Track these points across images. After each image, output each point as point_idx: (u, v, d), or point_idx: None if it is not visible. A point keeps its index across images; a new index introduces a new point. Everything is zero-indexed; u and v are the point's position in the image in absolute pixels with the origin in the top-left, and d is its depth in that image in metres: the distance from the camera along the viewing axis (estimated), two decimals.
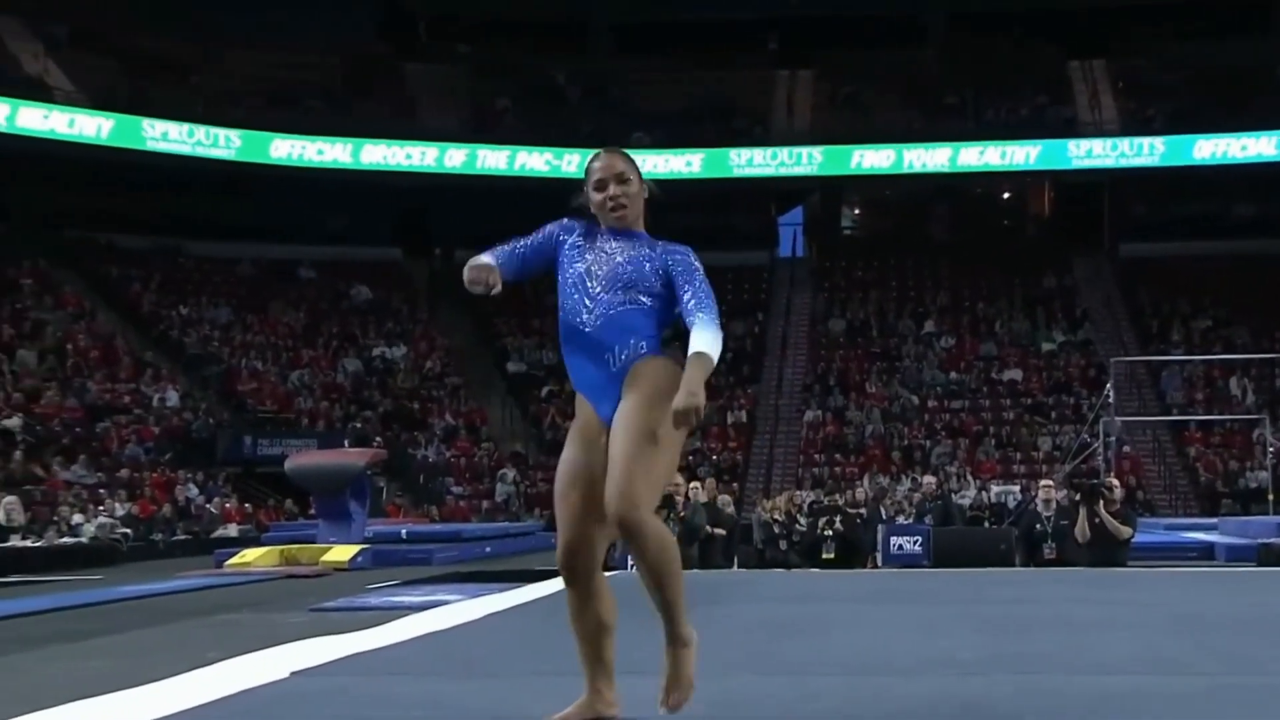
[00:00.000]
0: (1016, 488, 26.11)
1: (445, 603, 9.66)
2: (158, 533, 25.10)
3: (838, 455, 33.88)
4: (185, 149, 34.97)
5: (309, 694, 5.43)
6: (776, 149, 38.86)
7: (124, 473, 27.90)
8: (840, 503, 19.02)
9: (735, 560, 16.95)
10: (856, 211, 45.04)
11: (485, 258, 4.50)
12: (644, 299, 4.46)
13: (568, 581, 4.46)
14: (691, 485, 16.28)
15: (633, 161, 4.64)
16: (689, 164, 38.32)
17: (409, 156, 37.61)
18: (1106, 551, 14.48)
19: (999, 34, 40.56)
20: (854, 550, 17.27)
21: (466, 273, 4.48)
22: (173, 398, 32.02)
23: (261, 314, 36.82)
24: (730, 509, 18.60)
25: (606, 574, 4.61)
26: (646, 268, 4.48)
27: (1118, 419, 28.15)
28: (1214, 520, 23.74)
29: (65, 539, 22.03)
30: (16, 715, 4.81)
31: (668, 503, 15.15)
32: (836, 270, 40.95)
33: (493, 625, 8.55)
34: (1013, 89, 40.71)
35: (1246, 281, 36.63)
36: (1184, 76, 39.83)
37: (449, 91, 40.06)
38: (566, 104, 40.86)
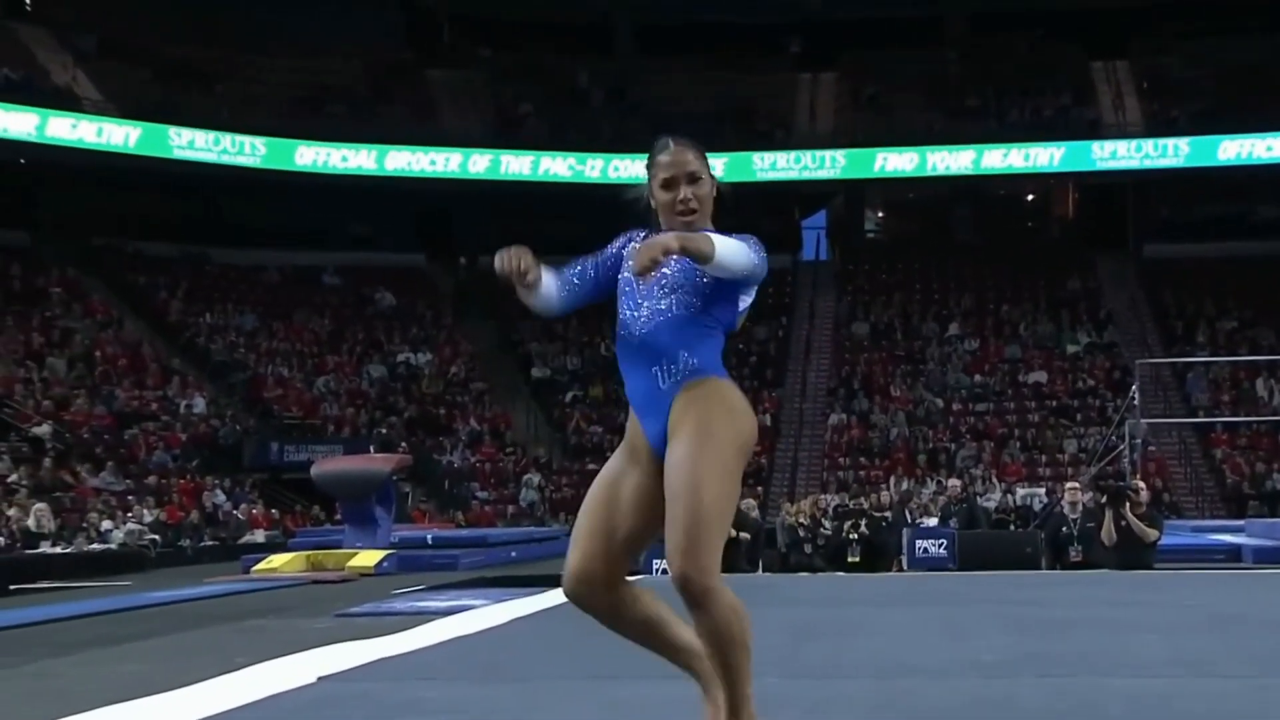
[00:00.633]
0: (1042, 490, 25.96)
1: (471, 608, 9.67)
2: (185, 539, 25.17)
3: (862, 459, 33.79)
4: (211, 157, 35.10)
5: (336, 699, 5.43)
6: (799, 152, 38.80)
7: (152, 479, 28.00)
8: (865, 506, 18.93)
9: (759, 564, 16.92)
10: (880, 214, 44.93)
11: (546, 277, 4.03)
12: (695, 299, 3.96)
13: (578, 605, 3.97)
14: None
15: (704, 155, 4.24)
16: (711, 168, 38.24)
17: (433, 162, 37.67)
18: (1133, 554, 14.39)
19: (1021, 34, 40.48)
20: (879, 554, 17.22)
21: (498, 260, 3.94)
22: (200, 405, 32.13)
23: (287, 320, 36.91)
24: (754, 513, 18.57)
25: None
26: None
27: (1143, 421, 27.95)
28: (1241, 522, 23.56)
29: (94, 545, 22.11)
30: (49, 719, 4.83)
31: None
32: (860, 273, 40.86)
33: (518, 630, 8.55)
34: (1036, 90, 40.55)
35: (1272, 282, 36.41)
36: (1208, 76, 39.59)
37: (472, 96, 40.12)
38: (589, 107, 40.87)
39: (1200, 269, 37.92)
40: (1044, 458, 33.12)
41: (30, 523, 21.07)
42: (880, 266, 41.16)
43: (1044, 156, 38.02)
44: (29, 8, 37.42)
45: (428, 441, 33.65)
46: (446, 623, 8.63)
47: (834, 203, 42.40)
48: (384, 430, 32.96)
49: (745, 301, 4.12)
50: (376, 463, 21.34)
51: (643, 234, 4.11)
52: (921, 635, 7.95)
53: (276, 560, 18.34)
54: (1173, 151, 37.55)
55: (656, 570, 13.83)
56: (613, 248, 4.16)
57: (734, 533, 15.63)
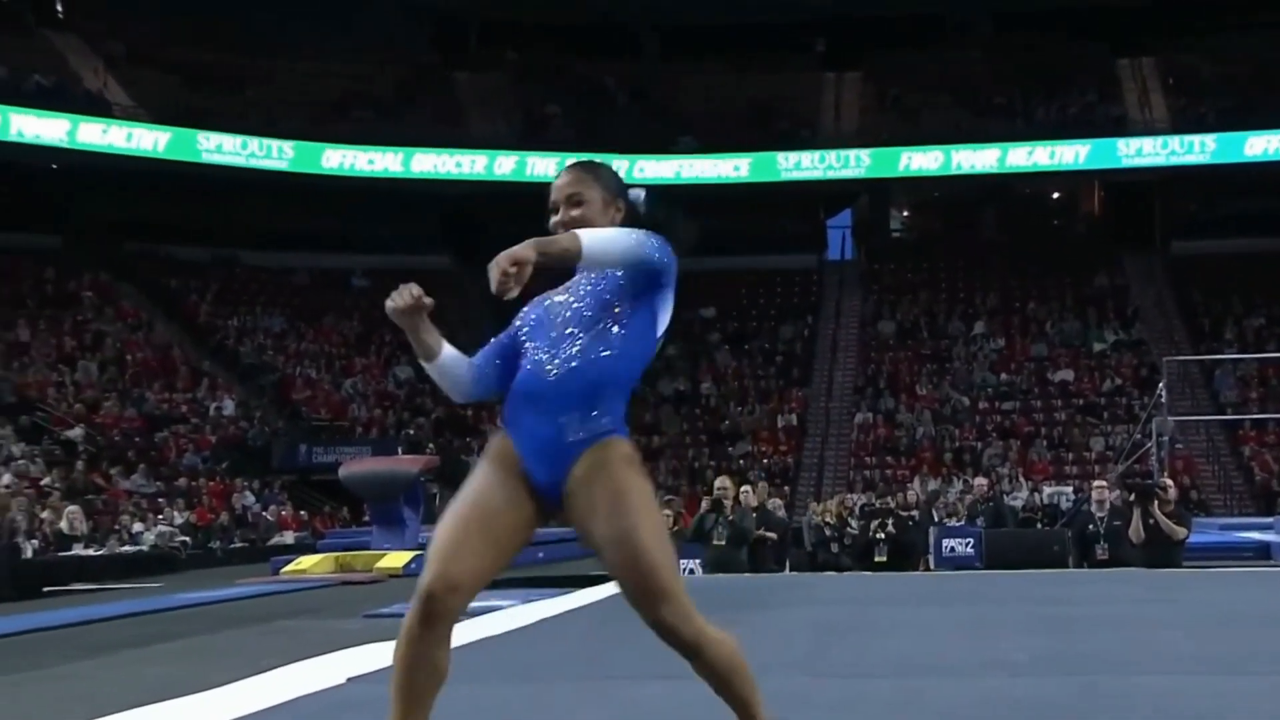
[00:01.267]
0: (1069, 489, 25.84)
1: (498, 608, 9.67)
2: (215, 540, 25.26)
3: (889, 458, 33.71)
4: (240, 161, 35.25)
5: (365, 700, 5.44)
6: (824, 152, 38.73)
7: (182, 482, 28.12)
8: (892, 505, 18.92)
9: (787, 563, 16.90)
10: (905, 213, 44.82)
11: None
12: (614, 328, 3.70)
13: (422, 619, 3.56)
14: (742, 489, 16.23)
15: (600, 174, 3.85)
16: (736, 168, 38.27)
17: (459, 165, 37.75)
18: (1161, 552, 14.30)
19: (1046, 32, 40.29)
20: (906, 553, 17.17)
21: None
22: (229, 407, 32.27)
23: (315, 323, 37.03)
24: (781, 512, 18.56)
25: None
26: (608, 284, 3.74)
27: (1171, 419, 27.75)
28: (1269, 519, 23.43)
29: (126, 547, 22.22)
30: None
31: (716, 506, 15.14)
32: (885, 272, 40.76)
33: (545, 630, 8.56)
34: (1061, 88, 40.40)
35: None
36: (1234, 72, 39.39)
37: (498, 99, 40.18)
38: (614, 109, 40.88)
39: (1228, 265, 37.70)
40: (1071, 456, 32.99)
41: (63, 525, 21.16)
42: (906, 265, 41.05)
43: (1069, 154, 37.87)
44: (61, 15, 37.61)
45: (456, 442, 33.68)
46: (474, 623, 8.63)
47: (859, 202, 42.29)
48: (412, 431, 33.04)
49: (663, 320, 3.86)
50: (405, 464, 21.36)
51: (543, 296, 3.87)
52: (948, 634, 7.93)
53: (305, 562, 18.38)
54: (1199, 148, 37.38)
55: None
56: (515, 322, 3.90)
57: (761, 532, 15.67)
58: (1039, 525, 20.22)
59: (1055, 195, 44.02)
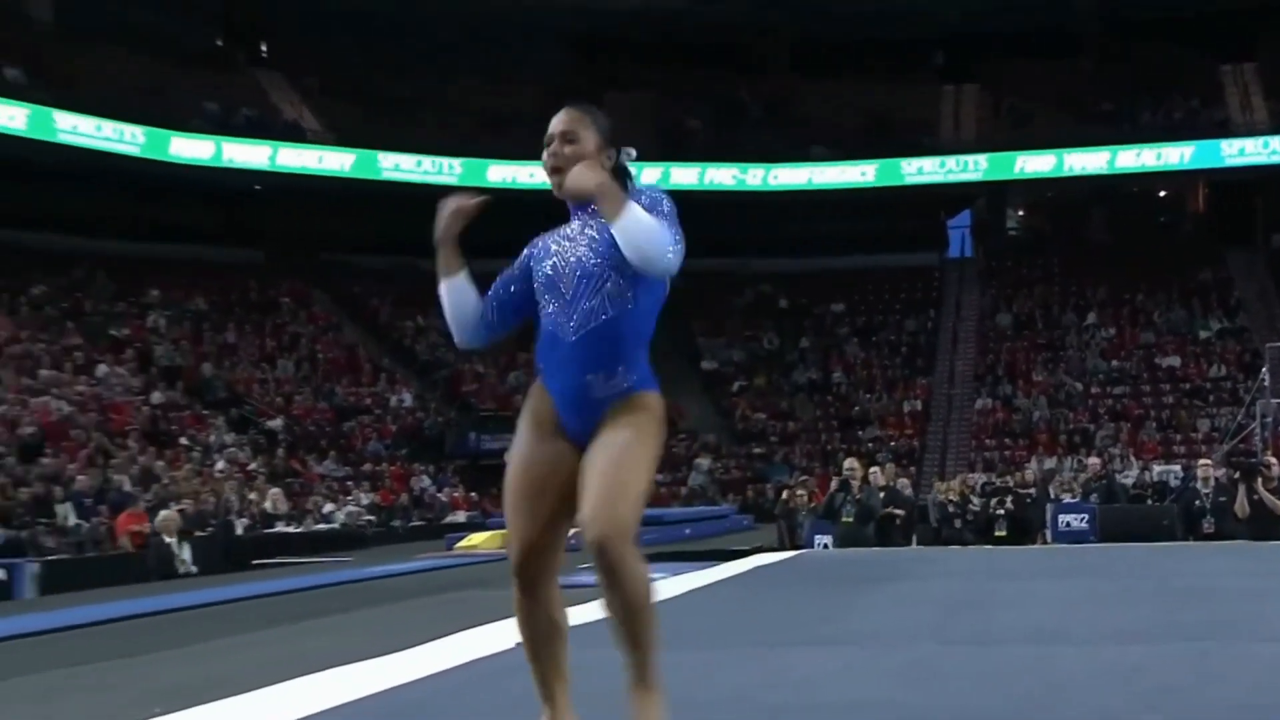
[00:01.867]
0: (1177, 467, 25.23)
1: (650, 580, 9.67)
2: (397, 519, 25.62)
3: (1007, 440, 33.19)
4: (415, 177, 35.73)
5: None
6: (944, 157, 38.18)
7: (367, 466, 28.61)
8: (1010, 484, 18.56)
9: (913, 539, 16.69)
10: (1020, 213, 43.98)
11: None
12: (624, 284, 3.47)
13: (521, 588, 3.58)
14: (871, 470, 16.09)
15: (595, 119, 3.66)
16: (863, 174, 37.88)
17: None
18: (1265, 526, 13.95)
19: (1151, 42, 39.26)
20: (1024, 528, 16.87)
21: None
22: (407, 399, 32.76)
23: None
24: (908, 491, 18.32)
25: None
26: (608, 236, 3.48)
27: (1273, 401, 27.03)
28: None
29: (320, 526, 22.64)
30: (282, 680, 4.94)
31: (845, 486, 14.99)
32: (1002, 269, 40.07)
33: (693, 600, 8.52)
34: (1166, 94, 39.32)
35: None
36: None
37: (643, 114, 40.21)
38: (749, 121, 40.68)
39: None
40: (1178, 436, 32.19)
41: (267, 505, 21.64)
42: (1021, 262, 40.33)
43: (1174, 155, 36.86)
44: (265, 55, 38.63)
45: None
46: None
47: (977, 203, 41.63)
48: None
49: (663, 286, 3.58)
50: None
51: (547, 239, 3.74)
52: (1067, 604, 7.74)
53: (476, 538, 18.55)
54: None
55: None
56: (518, 262, 3.77)
57: (890, 509, 15.49)
58: (1149, 502, 19.79)
59: (1161, 194, 42.84)
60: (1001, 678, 4.84)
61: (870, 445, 32.47)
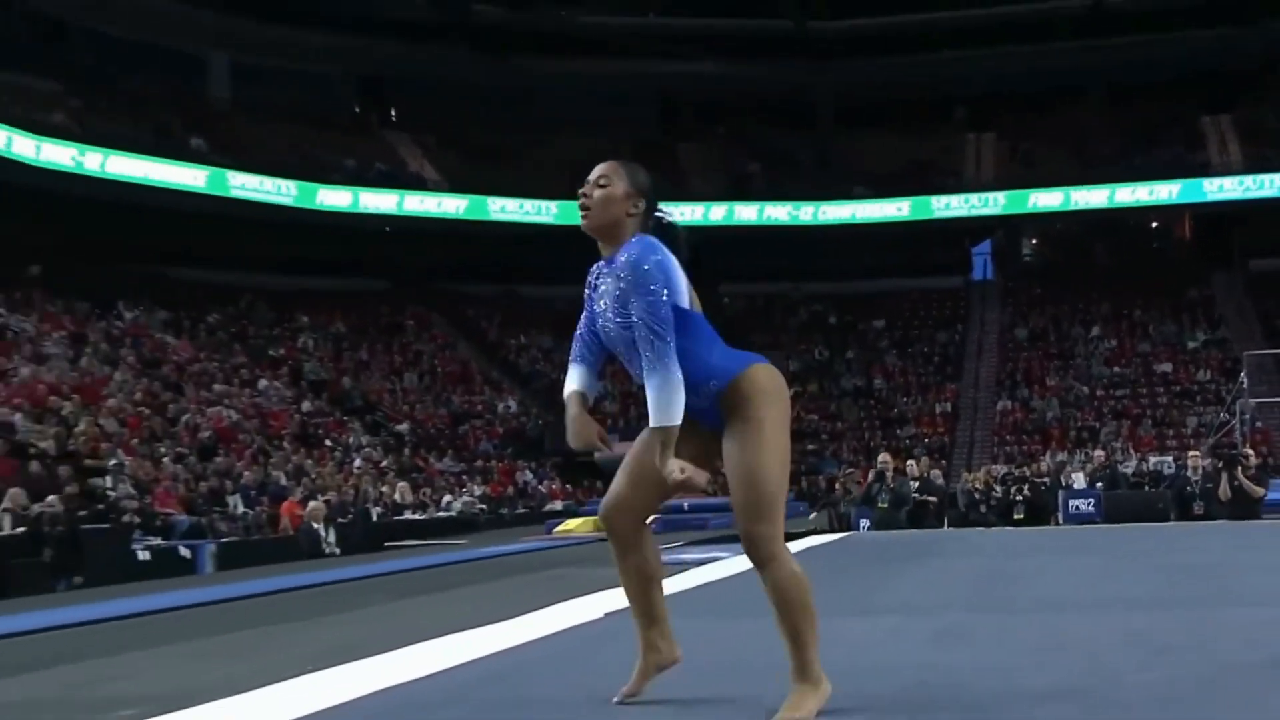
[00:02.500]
0: (1170, 458, 24.80)
1: (719, 559, 9.62)
2: (504, 508, 25.67)
3: (1024, 436, 32.72)
4: (518, 217, 35.88)
5: (619, 630, 5.41)
6: (968, 195, 37.77)
7: (479, 463, 28.72)
8: (1027, 474, 18.40)
9: (945, 521, 16.52)
10: (1034, 241, 43.45)
11: (572, 383, 3.54)
12: (650, 337, 3.25)
13: (611, 535, 3.47)
14: (908, 462, 15.96)
15: (630, 172, 3.46)
16: (899, 209, 37.57)
17: (682, 214, 37.35)
18: (1245, 508, 13.89)
19: (1144, 97, 38.95)
20: (1040, 512, 16.68)
21: (574, 443, 3.57)
22: (512, 406, 32.89)
23: None
24: (940, 480, 18.17)
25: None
26: (618, 293, 3.32)
27: (1251, 400, 26.52)
28: None
29: (440, 514, 22.74)
30: (405, 645, 4.96)
31: (880, 477, 14.85)
32: (1019, 289, 39.56)
33: (756, 576, 8.45)
34: (1156, 140, 38.74)
35: None
36: None
37: (710, 162, 40.20)
38: (801, 166, 40.51)
39: None
40: (1171, 432, 31.59)
41: (396, 496, 21.82)
42: (1035, 283, 39.79)
43: (1164, 191, 36.31)
44: (394, 118, 39.24)
45: None
46: (700, 570, 8.61)
47: (996, 234, 41.16)
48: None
49: (682, 298, 3.35)
50: None
51: (594, 278, 3.50)
52: (1078, 577, 7.59)
53: (572, 524, 18.53)
54: (1269, 184, 35.53)
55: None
56: (586, 297, 3.52)
57: (922, 497, 15.33)
58: (1146, 488, 19.49)
59: (1154, 224, 42.10)
60: (1022, 640, 4.76)
61: (907, 442, 32.15)
